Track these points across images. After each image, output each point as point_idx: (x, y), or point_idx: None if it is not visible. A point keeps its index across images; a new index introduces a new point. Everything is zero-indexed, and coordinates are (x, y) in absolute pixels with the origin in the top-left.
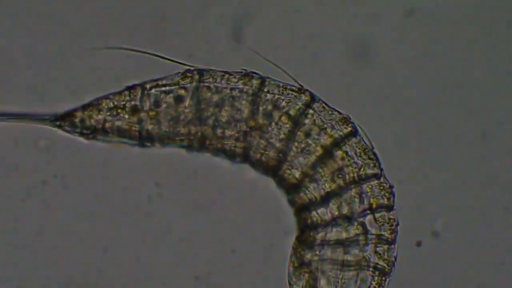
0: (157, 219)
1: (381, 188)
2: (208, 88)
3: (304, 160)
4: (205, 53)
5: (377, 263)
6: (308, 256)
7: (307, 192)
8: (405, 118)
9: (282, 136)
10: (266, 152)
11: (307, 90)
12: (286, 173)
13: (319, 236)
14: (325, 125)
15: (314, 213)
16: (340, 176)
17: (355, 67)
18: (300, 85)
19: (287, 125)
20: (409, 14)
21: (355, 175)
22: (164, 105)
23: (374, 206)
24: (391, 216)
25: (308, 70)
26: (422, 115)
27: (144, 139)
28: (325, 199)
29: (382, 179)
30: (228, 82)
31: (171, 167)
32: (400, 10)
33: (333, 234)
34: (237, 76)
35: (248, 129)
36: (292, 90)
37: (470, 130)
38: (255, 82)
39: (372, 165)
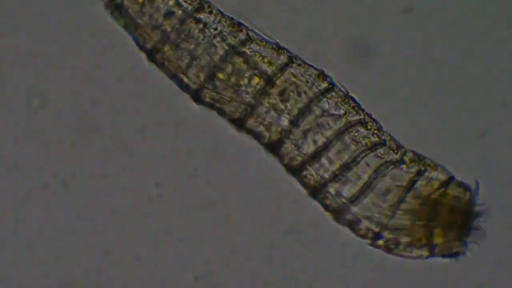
0: (157, 219)
1: (369, 128)
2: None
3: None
4: None
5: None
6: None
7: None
8: (405, 118)
9: (252, 92)
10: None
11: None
12: (254, 126)
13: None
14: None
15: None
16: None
17: (355, 67)
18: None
19: (259, 85)
20: (407, 11)
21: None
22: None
23: (369, 145)
24: (391, 146)
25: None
26: (421, 115)
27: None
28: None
29: (367, 121)
30: (219, 23)
31: (171, 167)
32: (397, 7)
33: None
34: (228, 22)
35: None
36: (272, 48)
37: (470, 129)
38: (240, 36)
39: (354, 112)
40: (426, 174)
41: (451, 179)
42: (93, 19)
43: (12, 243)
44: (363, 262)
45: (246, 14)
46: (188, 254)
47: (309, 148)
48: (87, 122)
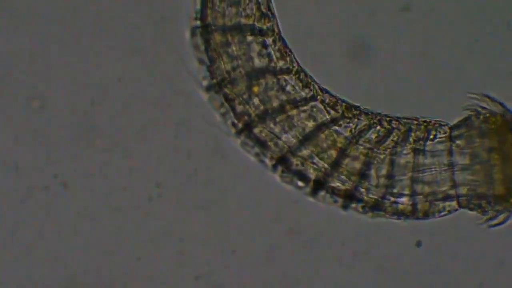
0: (157, 219)
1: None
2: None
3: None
4: None
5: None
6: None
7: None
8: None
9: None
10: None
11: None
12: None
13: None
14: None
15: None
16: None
17: (354, 66)
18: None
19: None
20: (405, 9)
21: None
22: None
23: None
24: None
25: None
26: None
27: None
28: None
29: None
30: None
31: (171, 167)
32: (395, 5)
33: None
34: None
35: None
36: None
37: None
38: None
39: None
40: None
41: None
42: (93, 19)
43: (12, 243)
44: (363, 262)
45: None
46: (188, 254)
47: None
48: (87, 122)
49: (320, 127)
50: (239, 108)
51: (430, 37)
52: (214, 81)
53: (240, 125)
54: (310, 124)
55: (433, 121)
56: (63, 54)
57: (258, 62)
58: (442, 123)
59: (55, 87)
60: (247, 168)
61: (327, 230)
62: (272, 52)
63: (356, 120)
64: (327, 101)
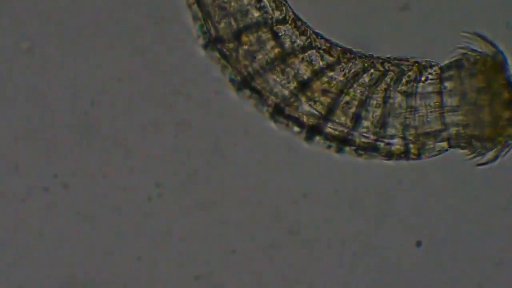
0: (157, 219)
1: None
2: None
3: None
4: None
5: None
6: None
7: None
8: None
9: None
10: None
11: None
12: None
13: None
14: None
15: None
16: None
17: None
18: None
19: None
20: (404, 9)
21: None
22: None
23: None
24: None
25: None
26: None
27: None
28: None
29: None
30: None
31: (171, 167)
32: (394, 5)
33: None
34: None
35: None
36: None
37: None
38: (277, 14)
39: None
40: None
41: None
42: (93, 19)
43: (12, 243)
44: (363, 262)
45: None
46: (188, 254)
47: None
48: (87, 122)
49: (316, 73)
50: (241, 63)
51: (429, 37)
52: (212, 37)
53: (238, 79)
54: (306, 71)
55: (423, 62)
56: (63, 54)
57: (254, 15)
58: (433, 63)
59: (55, 87)
60: (247, 168)
61: (326, 230)
62: (268, 4)
63: (350, 64)
64: (323, 46)
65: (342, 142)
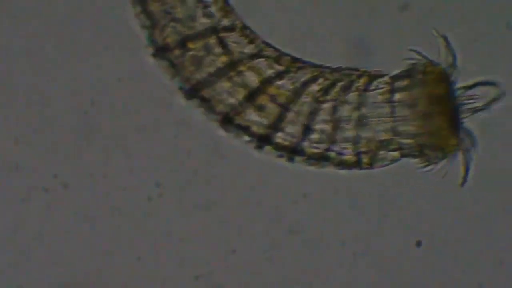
0: (157, 219)
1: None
2: None
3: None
4: None
5: None
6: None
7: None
8: None
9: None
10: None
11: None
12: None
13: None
14: None
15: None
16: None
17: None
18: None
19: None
20: (403, 8)
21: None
22: None
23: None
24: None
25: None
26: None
27: None
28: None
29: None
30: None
31: (171, 167)
32: (394, 4)
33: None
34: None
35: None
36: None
37: (470, 126)
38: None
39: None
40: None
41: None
42: (93, 19)
43: (12, 243)
44: (363, 262)
45: (247, 14)
46: (188, 254)
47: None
48: (87, 122)
49: (264, 82)
50: (187, 70)
51: (428, 36)
52: (158, 46)
53: (187, 87)
54: (255, 79)
55: (373, 71)
56: (63, 54)
57: (201, 22)
58: (383, 73)
59: (55, 87)
60: (247, 168)
61: (326, 230)
62: (215, 11)
63: (299, 73)
64: (272, 55)
65: (292, 152)
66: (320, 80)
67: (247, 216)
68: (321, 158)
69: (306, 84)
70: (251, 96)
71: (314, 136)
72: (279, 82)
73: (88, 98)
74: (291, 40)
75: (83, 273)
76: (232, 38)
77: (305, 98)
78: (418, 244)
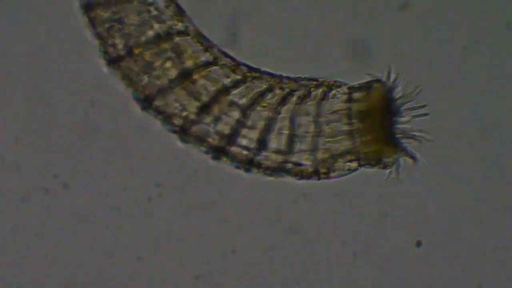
0: (157, 219)
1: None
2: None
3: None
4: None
5: None
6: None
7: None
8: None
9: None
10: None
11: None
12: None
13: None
14: None
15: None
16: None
17: (354, 66)
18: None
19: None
20: (403, 8)
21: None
22: None
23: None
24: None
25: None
26: (420, 113)
27: None
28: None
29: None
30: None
31: (171, 167)
32: (394, 4)
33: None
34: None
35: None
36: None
37: (469, 127)
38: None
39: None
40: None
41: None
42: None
43: (12, 243)
44: (363, 262)
45: (246, 14)
46: (188, 254)
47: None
48: (87, 122)
49: (220, 92)
50: (144, 80)
51: (427, 35)
52: (111, 56)
53: (141, 97)
54: (210, 89)
55: (331, 82)
56: (63, 54)
57: (154, 29)
58: (341, 83)
59: (55, 87)
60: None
61: (326, 230)
62: (168, 17)
63: (256, 83)
64: (228, 64)
65: (248, 163)
66: (277, 90)
67: (247, 216)
68: (279, 169)
69: (262, 94)
70: (207, 106)
71: (271, 147)
72: (235, 92)
73: (88, 98)
74: (291, 40)
75: (83, 273)
76: (187, 47)
77: (262, 108)
78: (418, 244)
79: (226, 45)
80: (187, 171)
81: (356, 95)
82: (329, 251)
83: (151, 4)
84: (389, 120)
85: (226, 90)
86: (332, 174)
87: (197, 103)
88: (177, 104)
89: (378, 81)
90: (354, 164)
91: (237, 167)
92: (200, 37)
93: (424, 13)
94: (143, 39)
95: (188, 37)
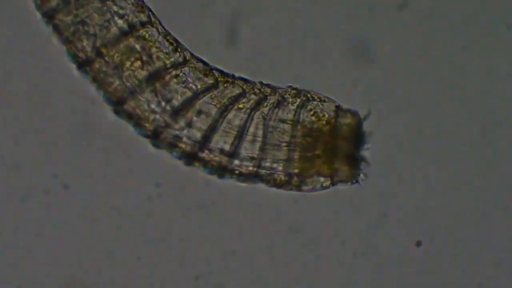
0: (157, 219)
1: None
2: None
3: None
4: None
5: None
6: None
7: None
8: (405, 116)
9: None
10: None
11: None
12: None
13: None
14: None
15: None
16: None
17: (354, 66)
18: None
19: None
20: (402, 7)
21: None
22: None
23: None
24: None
25: (307, 70)
26: (421, 113)
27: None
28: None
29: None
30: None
31: (171, 167)
32: (392, 3)
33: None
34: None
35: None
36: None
37: (470, 126)
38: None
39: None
40: (310, 106)
41: (337, 107)
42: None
43: (12, 243)
44: (363, 262)
45: (246, 14)
46: (188, 254)
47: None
48: (87, 122)
49: (192, 97)
50: (114, 82)
51: (427, 34)
52: (80, 59)
53: (113, 99)
54: (182, 95)
55: (315, 95)
56: (63, 54)
57: (118, 26)
58: (316, 98)
59: (55, 87)
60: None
61: (326, 230)
62: (129, 12)
63: (230, 88)
64: (200, 68)
65: (221, 169)
66: (251, 96)
67: (247, 216)
68: (252, 176)
69: (236, 100)
70: (178, 111)
71: (243, 153)
72: (207, 96)
73: (88, 98)
74: (292, 41)
75: (83, 273)
76: (154, 46)
77: (235, 116)
78: (418, 244)
79: (226, 45)
80: (187, 171)
81: (340, 119)
82: (329, 251)
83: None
84: (349, 149)
85: (198, 95)
86: (304, 188)
87: (167, 107)
88: (147, 108)
89: (355, 114)
90: (327, 182)
91: (211, 173)
92: (168, 37)
93: (424, 13)
94: (108, 37)
95: (153, 28)
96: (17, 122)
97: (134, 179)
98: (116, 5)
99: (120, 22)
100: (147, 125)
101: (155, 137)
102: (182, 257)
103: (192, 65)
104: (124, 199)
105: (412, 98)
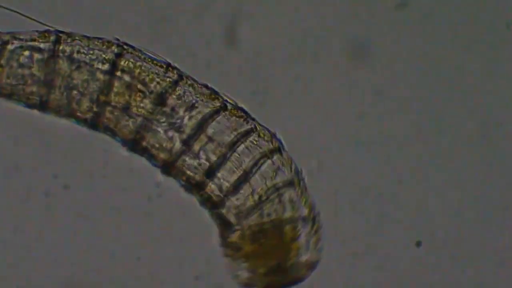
0: (157, 219)
1: (261, 136)
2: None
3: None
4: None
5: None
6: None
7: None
8: (405, 116)
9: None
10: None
11: (175, 67)
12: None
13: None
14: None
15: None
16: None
17: (354, 66)
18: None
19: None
20: (402, 7)
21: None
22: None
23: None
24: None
25: (307, 70)
26: (421, 113)
27: None
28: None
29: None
30: (89, 48)
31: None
32: (392, 3)
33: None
34: (99, 43)
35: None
36: (160, 66)
37: (470, 126)
38: (115, 49)
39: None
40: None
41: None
42: (94, 18)
43: (12, 243)
44: (363, 262)
45: (245, 15)
46: (188, 254)
47: (205, 163)
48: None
49: (202, 122)
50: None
51: (426, 34)
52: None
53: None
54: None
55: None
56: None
57: (101, 70)
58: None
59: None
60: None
61: (326, 230)
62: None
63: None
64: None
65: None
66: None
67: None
68: (217, 204)
69: (210, 116)
70: (188, 142)
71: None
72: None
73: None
74: (292, 41)
75: (83, 273)
76: (142, 71)
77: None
78: (418, 244)
79: (226, 45)
80: None
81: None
82: (329, 251)
83: (82, 53)
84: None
85: (207, 119)
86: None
87: (182, 136)
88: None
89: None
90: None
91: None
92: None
93: (424, 13)
94: (98, 84)
95: (133, 54)
96: (17, 122)
97: (134, 179)
98: (84, 53)
99: (99, 65)
100: (158, 157)
101: (165, 171)
102: (182, 257)
103: (187, 82)
104: (124, 199)
105: (412, 98)
